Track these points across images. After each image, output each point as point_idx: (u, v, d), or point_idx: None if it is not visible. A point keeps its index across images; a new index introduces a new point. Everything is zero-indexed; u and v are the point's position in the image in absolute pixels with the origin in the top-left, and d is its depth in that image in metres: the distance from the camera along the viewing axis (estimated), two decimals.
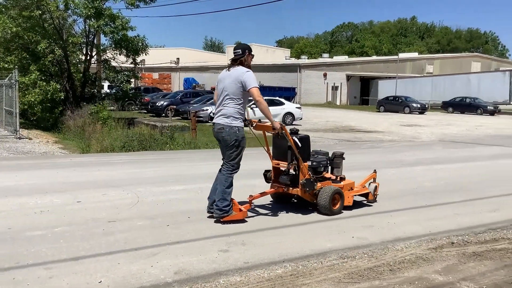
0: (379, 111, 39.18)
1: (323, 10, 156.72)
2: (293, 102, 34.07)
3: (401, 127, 23.10)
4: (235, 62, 5.46)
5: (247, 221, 5.51)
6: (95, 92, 21.87)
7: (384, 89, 48.43)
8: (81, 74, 20.70)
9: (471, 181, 8.56)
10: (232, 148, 5.38)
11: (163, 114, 26.51)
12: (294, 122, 22.74)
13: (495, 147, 14.63)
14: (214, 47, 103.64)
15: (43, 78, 17.97)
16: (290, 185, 5.87)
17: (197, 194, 6.99)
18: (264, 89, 43.44)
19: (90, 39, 20.50)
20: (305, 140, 5.91)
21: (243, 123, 5.48)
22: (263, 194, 5.97)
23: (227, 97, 5.37)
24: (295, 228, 5.36)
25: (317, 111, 34.94)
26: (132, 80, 24.72)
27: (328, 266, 4.23)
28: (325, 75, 50.22)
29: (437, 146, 14.80)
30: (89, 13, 18.26)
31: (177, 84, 59.08)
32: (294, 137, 5.74)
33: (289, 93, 44.86)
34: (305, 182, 5.68)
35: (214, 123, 5.48)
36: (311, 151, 6.12)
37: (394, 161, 7.93)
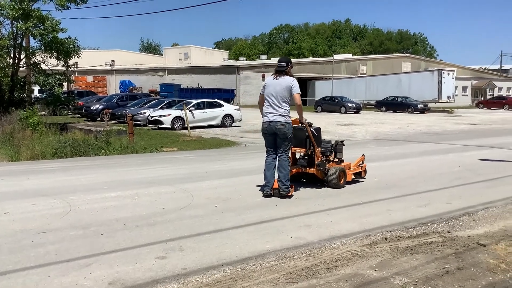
0: (316, 111, 40.05)
1: (260, 12, 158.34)
2: (232, 104, 34.10)
3: (337, 126, 23.68)
4: (281, 73, 6.83)
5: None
6: (24, 97, 20.89)
7: (321, 90, 49.63)
8: (9, 78, 19.66)
9: (402, 177, 8.89)
10: (289, 140, 6.88)
11: (98, 118, 25.73)
12: (233, 124, 22.76)
13: (425, 144, 15.28)
14: (151, 49, 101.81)
15: None
16: (307, 166, 7.54)
17: (134, 200, 6.82)
18: (203, 91, 43.31)
19: (18, 42, 19.54)
20: (318, 131, 7.65)
21: None
22: (290, 173, 7.10)
23: (282, 100, 6.77)
24: (234, 230, 5.33)
25: (257, 112, 34.57)
26: (65, 83, 23.83)
27: (267, 268, 4.24)
28: (263, 76, 50.44)
29: (371, 144, 15.28)
30: (16, 15, 17.42)
31: (113, 87, 57.54)
32: (311, 129, 7.31)
33: (228, 95, 44.88)
34: (320, 163, 7.43)
35: (271, 121, 6.81)
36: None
37: None
